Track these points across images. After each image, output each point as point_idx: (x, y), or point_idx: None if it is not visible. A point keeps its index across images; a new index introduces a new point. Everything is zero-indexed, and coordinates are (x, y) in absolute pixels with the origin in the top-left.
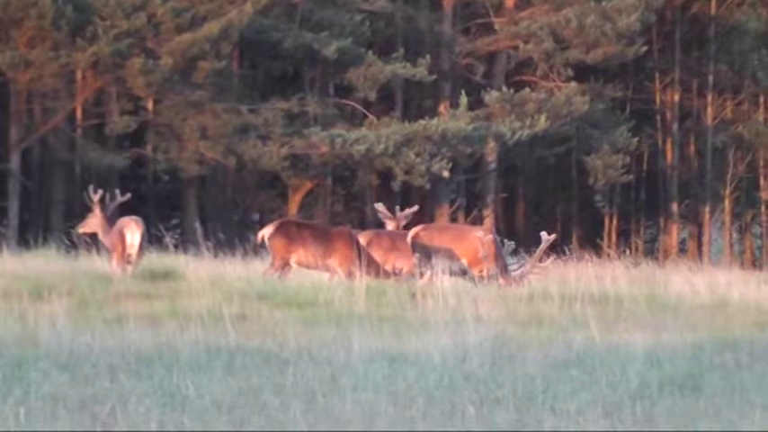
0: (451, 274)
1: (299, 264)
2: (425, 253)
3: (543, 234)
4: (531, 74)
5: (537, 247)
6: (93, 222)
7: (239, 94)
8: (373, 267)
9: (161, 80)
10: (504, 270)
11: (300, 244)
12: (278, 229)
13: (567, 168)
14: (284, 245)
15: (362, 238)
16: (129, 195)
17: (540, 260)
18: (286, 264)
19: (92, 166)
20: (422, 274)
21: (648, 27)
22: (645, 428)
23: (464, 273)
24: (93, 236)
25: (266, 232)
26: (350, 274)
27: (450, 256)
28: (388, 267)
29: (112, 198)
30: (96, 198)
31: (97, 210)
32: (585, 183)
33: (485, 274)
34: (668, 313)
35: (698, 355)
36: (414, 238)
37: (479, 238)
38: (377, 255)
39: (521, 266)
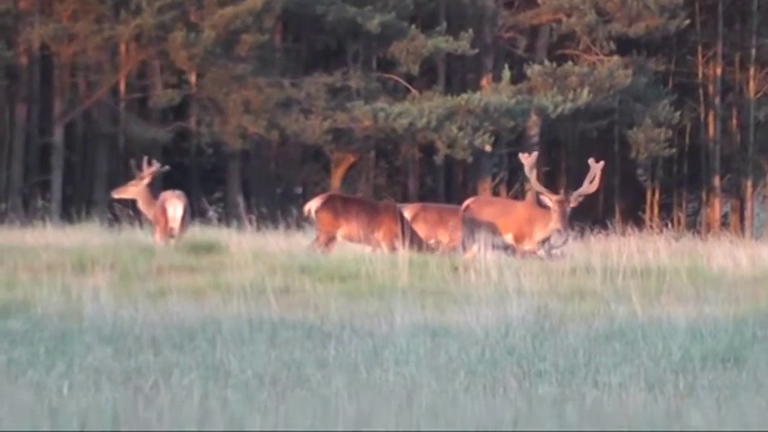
0: (494, 247)
1: (345, 237)
2: (472, 226)
3: (591, 161)
4: (573, 47)
5: (580, 219)
6: (132, 190)
7: (282, 68)
8: (416, 241)
9: (204, 53)
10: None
11: (347, 218)
12: (325, 203)
13: (610, 142)
14: (331, 219)
15: (409, 212)
16: (167, 167)
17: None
18: (332, 237)
19: (135, 140)
20: (466, 248)
21: (691, 0)
22: (687, 401)
23: (506, 248)
24: (135, 208)
25: (313, 205)
26: (393, 248)
27: (494, 230)
28: (434, 241)
29: (149, 163)
30: (149, 170)
31: (145, 180)
32: (628, 156)
33: (531, 249)
34: (710, 287)
35: (740, 328)
36: (464, 210)
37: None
38: (423, 228)
39: (564, 241)
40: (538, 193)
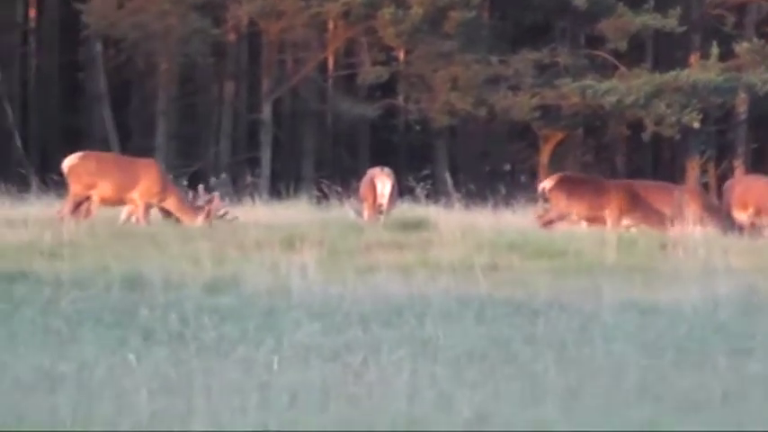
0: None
1: (576, 216)
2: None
3: None
4: None
5: None
6: None
7: (489, 45)
8: (647, 217)
9: (411, 30)
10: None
11: (579, 198)
12: (558, 183)
13: None
14: (564, 198)
15: None
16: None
17: None
18: (563, 216)
19: (342, 117)
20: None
21: None
22: None
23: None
24: (343, 184)
25: (547, 185)
26: (619, 225)
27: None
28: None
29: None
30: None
31: None
32: None
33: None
34: None
35: None
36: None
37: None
38: None
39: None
40: None
